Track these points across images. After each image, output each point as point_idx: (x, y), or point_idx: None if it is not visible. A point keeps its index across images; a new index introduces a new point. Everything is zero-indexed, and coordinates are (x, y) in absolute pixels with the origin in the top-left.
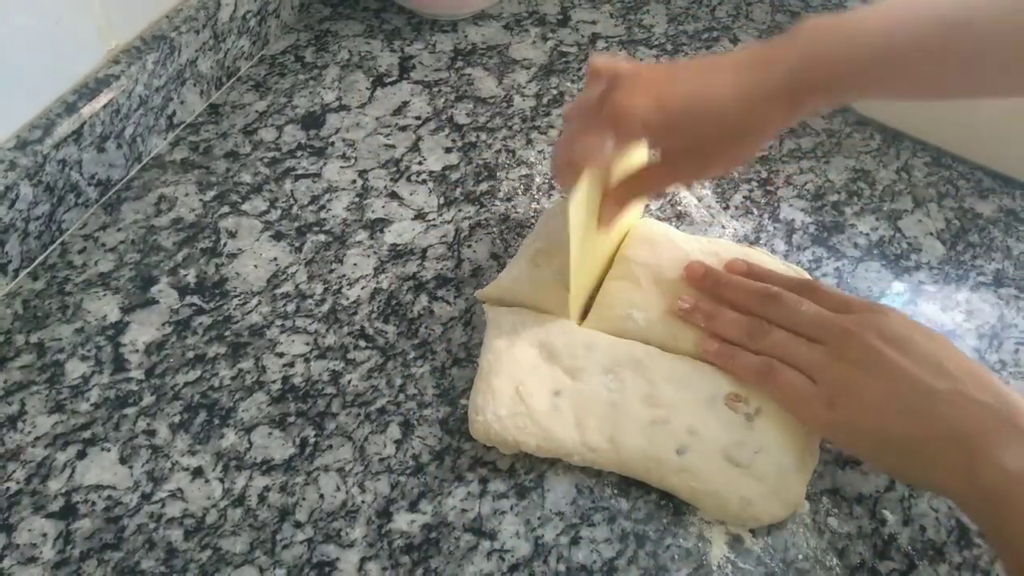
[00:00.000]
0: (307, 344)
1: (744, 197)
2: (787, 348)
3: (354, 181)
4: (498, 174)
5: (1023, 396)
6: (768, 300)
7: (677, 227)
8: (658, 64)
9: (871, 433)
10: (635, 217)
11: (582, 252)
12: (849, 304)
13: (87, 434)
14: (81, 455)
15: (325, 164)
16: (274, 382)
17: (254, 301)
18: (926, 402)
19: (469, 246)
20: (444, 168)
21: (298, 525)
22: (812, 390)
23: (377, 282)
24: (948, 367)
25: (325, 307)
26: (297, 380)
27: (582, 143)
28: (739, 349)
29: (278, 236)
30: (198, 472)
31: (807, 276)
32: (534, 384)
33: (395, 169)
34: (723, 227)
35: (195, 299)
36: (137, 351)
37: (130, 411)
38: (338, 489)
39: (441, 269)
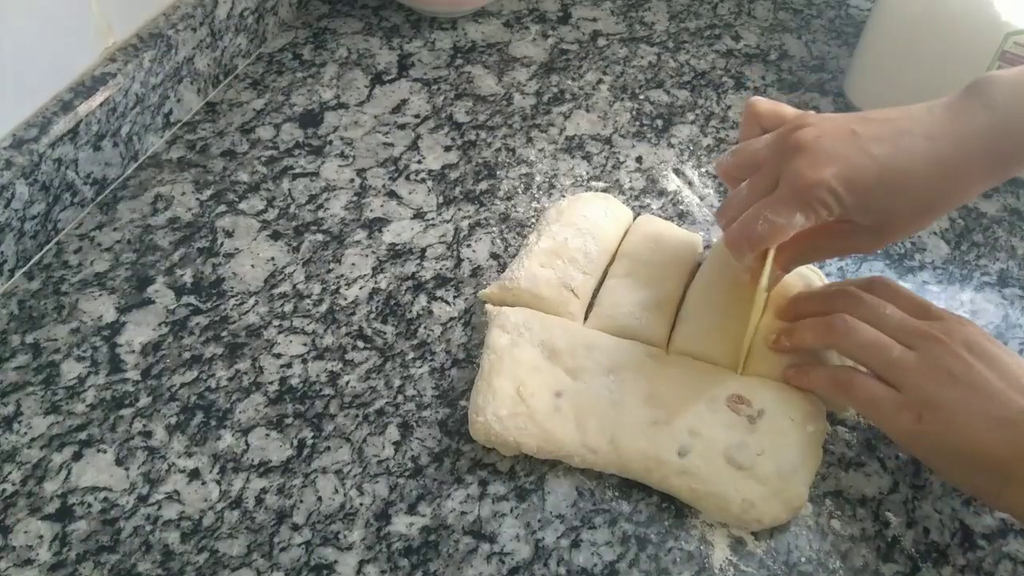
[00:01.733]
0: (305, 345)
1: None
2: (877, 352)
3: (352, 180)
4: (498, 173)
5: None
6: (849, 300)
7: (680, 226)
8: (833, 119)
9: (959, 450)
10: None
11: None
12: (928, 309)
13: (83, 435)
14: (77, 456)
15: (323, 163)
16: (271, 383)
17: (251, 301)
18: (1019, 422)
19: (469, 246)
20: (443, 167)
21: (296, 528)
22: (898, 401)
23: (375, 282)
24: None
25: (323, 307)
26: (295, 381)
27: (768, 222)
28: (816, 364)
29: (275, 235)
30: (195, 474)
31: (821, 275)
32: (535, 384)
33: (394, 168)
34: None
35: (192, 299)
36: (133, 352)
37: (126, 412)
38: (336, 491)
39: (440, 269)
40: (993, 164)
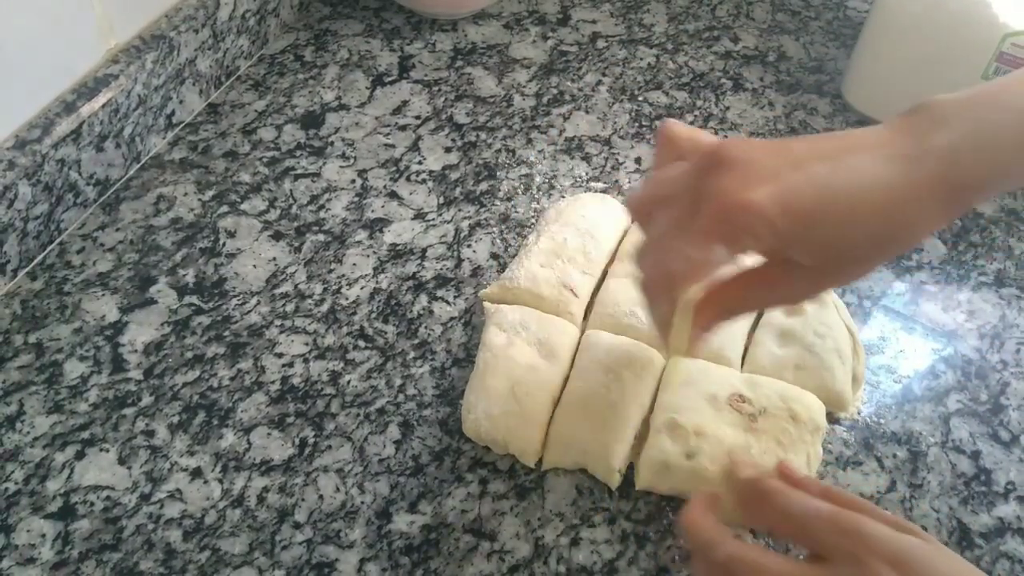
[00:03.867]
0: (306, 344)
1: None
2: None
3: (353, 181)
4: (498, 173)
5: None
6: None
7: None
8: (760, 141)
9: None
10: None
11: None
12: (817, 537)
13: (86, 434)
14: (80, 455)
15: (324, 164)
16: (273, 382)
17: (253, 301)
18: None
19: (469, 246)
20: (444, 168)
21: (297, 526)
22: None
23: (376, 282)
24: None
25: (324, 307)
26: (296, 380)
27: (684, 257)
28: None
29: (277, 236)
30: (197, 473)
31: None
32: (531, 384)
33: (394, 169)
34: None
35: (194, 299)
36: (136, 351)
37: (129, 411)
38: (337, 490)
39: (441, 269)
40: (949, 190)
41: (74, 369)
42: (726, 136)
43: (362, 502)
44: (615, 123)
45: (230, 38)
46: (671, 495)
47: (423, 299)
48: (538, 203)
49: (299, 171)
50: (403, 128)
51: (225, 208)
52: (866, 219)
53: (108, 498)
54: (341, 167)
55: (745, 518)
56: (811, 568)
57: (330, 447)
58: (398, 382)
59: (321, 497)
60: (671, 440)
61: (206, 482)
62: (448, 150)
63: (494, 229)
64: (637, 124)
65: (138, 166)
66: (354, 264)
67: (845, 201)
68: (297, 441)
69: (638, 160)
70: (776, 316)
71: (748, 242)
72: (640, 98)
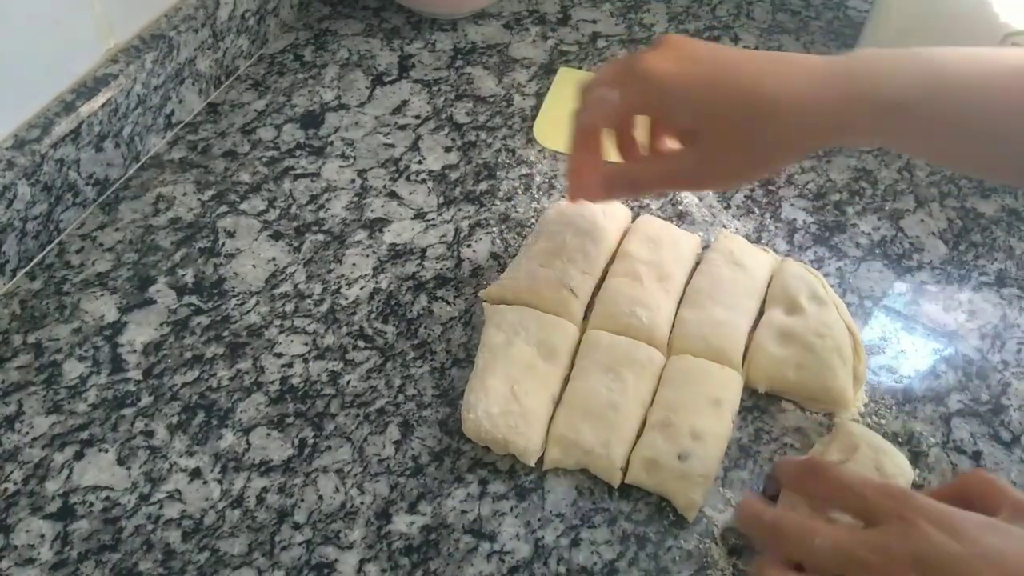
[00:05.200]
0: (306, 344)
1: (745, 196)
2: None
3: (353, 180)
4: (498, 173)
5: None
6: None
7: (679, 226)
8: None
9: None
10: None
11: None
12: (866, 502)
13: (85, 435)
14: (79, 456)
15: (324, 163)
16: (272, 383)
17: (252, 301)
18: None
19: (469, 246)
20: (444, 167)
21: (297, 526)
22: None
23: (376, 282)
24: None
25: (324, 307)
26: (296, 380)
27: (589, 96)
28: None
29: (277, 236)
30: (196, 473)
31: (823, 280)
32: (530, 383)
33: (394, 168)
34: (724, 226)
35: (193, 299)
36: (135, 351)
37: (128, 412)
38: (337, 490)
39: (441, 269)
40: (838, 115)
41: (73, 369)
42: None
43: (362, 503)
44: None
45: (230, 38)
46: (661, 495)
47: (423, 299)
48: (538, 203)
49: (299, 171)
50: (403, 128)
51: (224, 208)
52: (754, 102)
53: (107, 498)
54: (341, 167)
55: (802, 490)
56: (864, 531)
57: (330, 447)
58: (398, 382)
59: (320, 498)
60: (663, 438)
61: (205, 482)
62: (448, 150)
63: (494, 229)
64: None
65: (137, 166)
66: (354, 264)
67: (740, 83)
68: (296, 441)
69: None
70: (777, 316)
71: (641, 92)
72: None
